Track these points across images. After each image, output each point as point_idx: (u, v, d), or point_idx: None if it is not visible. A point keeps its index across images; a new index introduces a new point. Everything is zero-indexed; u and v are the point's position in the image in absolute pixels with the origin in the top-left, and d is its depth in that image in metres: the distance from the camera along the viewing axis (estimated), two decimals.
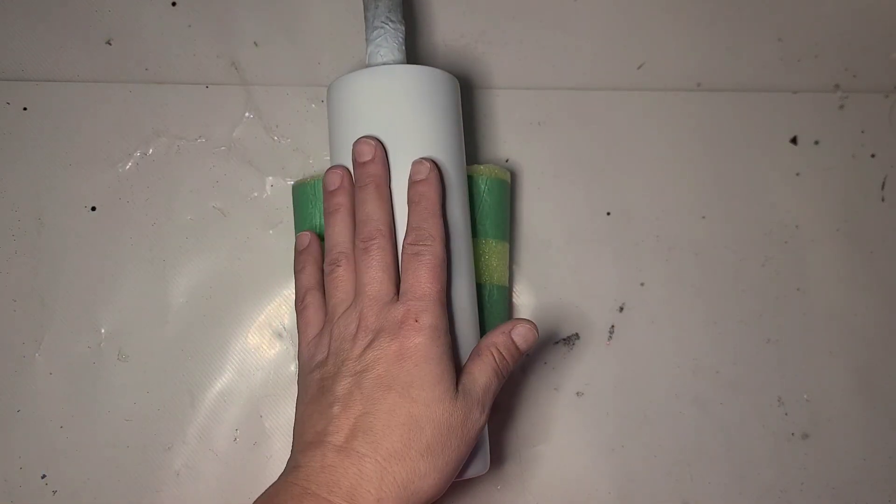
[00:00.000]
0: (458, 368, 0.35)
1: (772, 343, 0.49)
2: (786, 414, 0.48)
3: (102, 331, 0.44)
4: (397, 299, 0.35)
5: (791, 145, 0.52)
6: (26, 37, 0.46)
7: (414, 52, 0.48)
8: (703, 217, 0.50)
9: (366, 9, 0.41)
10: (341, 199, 0.38)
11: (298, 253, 0.40)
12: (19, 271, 0.44)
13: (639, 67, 0.51)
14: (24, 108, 0.46)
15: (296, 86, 0.47)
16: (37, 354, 0.44)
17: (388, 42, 0.40)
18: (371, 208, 0.36)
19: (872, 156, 0.52)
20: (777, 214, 0.51)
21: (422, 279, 0.34)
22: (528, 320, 0.37)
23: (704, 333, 0.48)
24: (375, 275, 0.35)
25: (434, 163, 0.37)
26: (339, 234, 0.37)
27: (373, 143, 0.37)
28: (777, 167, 0.51)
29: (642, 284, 0.48)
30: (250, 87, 0.47)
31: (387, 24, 0.40)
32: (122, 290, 0.45)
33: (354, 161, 0.37)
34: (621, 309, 0.48)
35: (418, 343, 0.33)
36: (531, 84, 0.50)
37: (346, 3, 0.48)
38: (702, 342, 0.48)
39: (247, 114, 0.47)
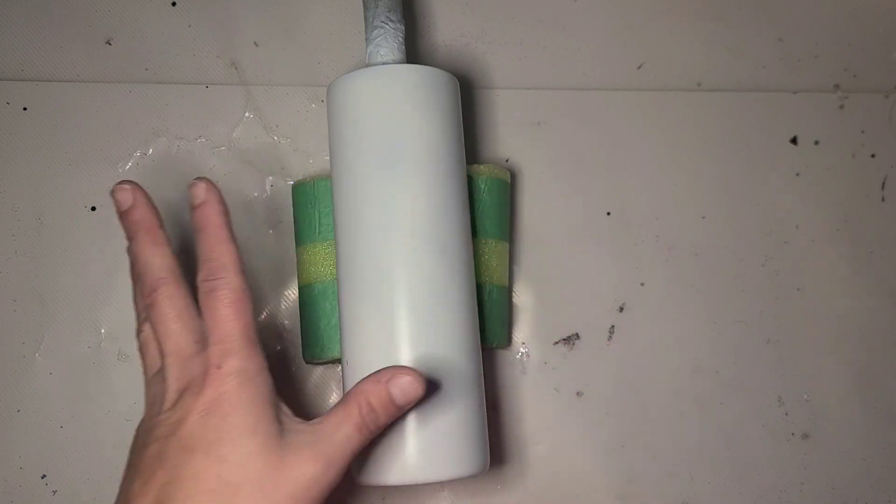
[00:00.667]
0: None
1: (772, 343, 0.49)
2: (786, 414, 0.48)
3: (102, 331, 0.44)
4: (203, 346, 0.31)
5: (791, 145, 0.52)
6: (26, 37, 0.46)
7: (414, 52, 0.48)
8: (703, 217, 0.50)
9: (365, 8, 0.41)
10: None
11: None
12: (19, 271, 0.44)
13: (639, 67, 0.51)
14: (24, 108, 0.46)
15: (296, 86, 0.47)
16: (37, 354, 0.44)
17: (388, 42, 0.40)
18: (147, 258, 0.33)
19: (872, 156, 0.52)
20: (777, 214, 0.51)
21: (221, 318, 0.31)
22: (412, 370, 0.31)
23: (704, 333, 0.48)
24: (169, 327, 0.31)
25: (210, 182, 0.33)
26: (134, 291, 0.35)
27: (129, 187, 0.34)
28: (777, 167, 0.51)
29: (642, 284, 0.48)
30: (250, 87, 0.47)
31: (386, 23, 0.40)
32: (122, 290, 0.44)
33: (117, 211, 0.35)
34: (621, 309, 0.48)
35: (223, 392, 0.29)
36: (531, 84, 0.50)
37: (346, 3, 0.48)
38: (702, 342, 0.48)
39: (247, 114, 0.47)
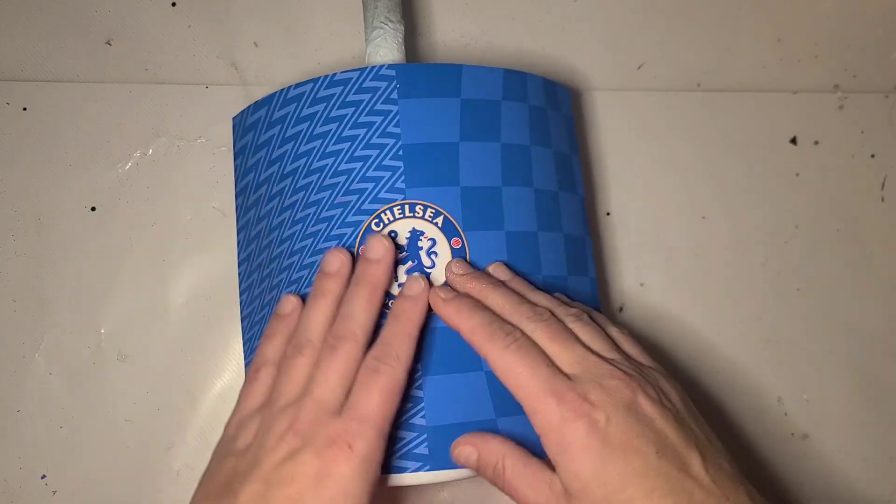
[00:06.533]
0: None
1: (772, 343, 0.49)
2: (785, 414, 0.48)
3: (102, 331, 0.44)
4: (339, 411, 0.32)
5: (791, 145, 0.52)
6: (26, 37, 0.46)
7: (414, 52, 0.48)
8: (703, 217, 0.50)
9: (365, 9, 0.41)
10: (332, 286, 0.35)
11: (276, 317, 0.37)
12: (19, 271, 0.44)
13: (639, 67, 0.51)
14: (24, 109, 0.46)
15: None
16: (37, 354, 0.44)
17: (388, 42, 0.40)
18: (357, 307, 0.34)
19: (872, 156, 0.52)
20: (777, 214, 0.51)
21: (371, 399, 0.32)
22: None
23: (704, 333, 0.48)
24: (330, 378, 0.32)
25: (429, 282, 0.35)
26: (314, 319, 0.34)
27: (387, 244, 0.35)
28: (777, 167, 0.51)
29: (642, 285, 0.48)
30: (250, 87, 0.47)
31: (386, 24, 0.40)
32: (122, 290, 0.45)
33: (362, 253, 0.35)
34: (621, 309, 0.48)
35: (343, 473, 0.30)
36: None
37: (345, 3, 0.48)
38: (702, 342, 0.48)
39: None
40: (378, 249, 0.35)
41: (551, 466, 0.31)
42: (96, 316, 0.44)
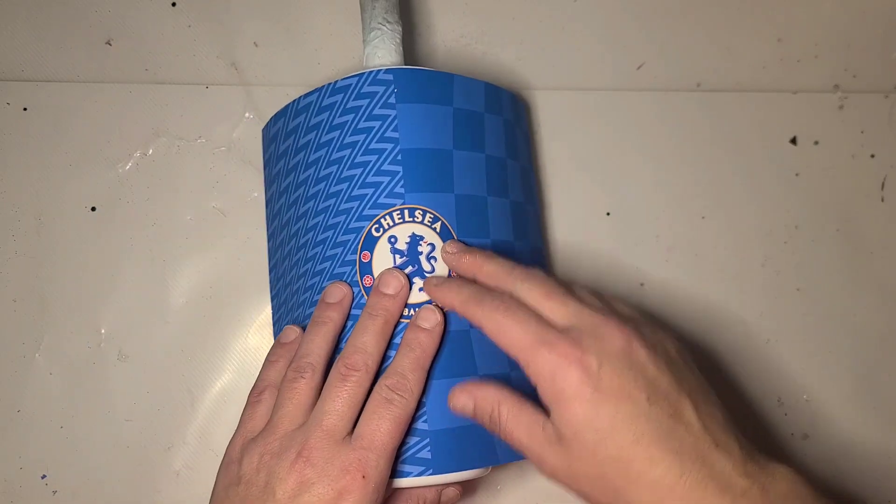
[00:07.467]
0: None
1: (772, 343, 0.49)
2: (785, 414, 0.48)
3: (102, 331, 0.44)
4: (349, 438, 0.33)
5: (791, 145, 0.52)
6: (26, 37, 0.46)
7: (413, 53, 0.48)
8: (703, 217, 0.50)
9: (363, 10, 0.41)
10: (333, 315, 0.36)
11: (279, 344, 0.37)
12: (19, 271, 0.44)
13: (639, 67, 0.51)
14: (24, 109, 0.46)
15: (296, 86, 0.47)
16: (37, 354, 0.44)
17: (386, 43, 0.40)
18: (369, 340, 0.34)
19: (872, 156, 0.52)
20: (777, 214, 0.51)
21: (383, 429, 0.32)
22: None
23: (704, 333, 0.48)
24: (340, 407, 0.33)
25: (445, 317, 0.36)
26: (316, 344, 0.35)
27: (402, 279, 0.35)
28: (777, 167, 0.51)
29: (642, 284, 0.48)
30: (250, 87, 0.47)
31: (384, 24, 0.40)
32: (122, 290, 0.45)
33: (376, 286, 0.36)
34: None
35: (356, 501, 0.31)
36: (531, 85, 0.50)
37: (345, 3, 0.48)
38: (702, 342, 0.48)
39: (247, 114, 0.47)
40: (394, 284, 0.35)
41: (546, 411, 0.32)
42: (96, 316, 0.44)
